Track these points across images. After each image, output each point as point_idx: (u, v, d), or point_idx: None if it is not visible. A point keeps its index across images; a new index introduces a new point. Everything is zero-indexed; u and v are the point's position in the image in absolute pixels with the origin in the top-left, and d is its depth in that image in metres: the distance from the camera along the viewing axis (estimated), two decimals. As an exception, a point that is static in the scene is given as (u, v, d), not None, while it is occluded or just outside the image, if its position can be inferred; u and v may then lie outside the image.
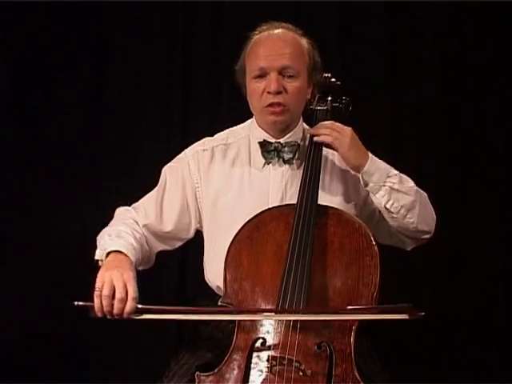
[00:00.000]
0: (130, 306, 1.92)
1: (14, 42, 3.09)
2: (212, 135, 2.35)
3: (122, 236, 2.13)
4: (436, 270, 3.12)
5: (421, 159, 3.14)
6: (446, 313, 3.09)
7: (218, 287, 2.19)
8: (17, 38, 3.08)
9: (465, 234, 3.12)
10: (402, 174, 2.17)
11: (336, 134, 2.12)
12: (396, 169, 2.18)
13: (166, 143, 3.12)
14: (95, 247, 2.85)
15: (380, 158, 2.25)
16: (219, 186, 2.24)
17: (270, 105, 2.15)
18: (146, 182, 3.06)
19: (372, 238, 2.01)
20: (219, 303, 2.03)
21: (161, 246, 2.30)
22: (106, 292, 1.93)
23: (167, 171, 2.34)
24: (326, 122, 2.17)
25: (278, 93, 2.13)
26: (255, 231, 2.05)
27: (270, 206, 2.14)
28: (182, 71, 3.15)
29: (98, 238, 2.19)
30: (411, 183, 2.18)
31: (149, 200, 2.32)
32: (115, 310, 1.92)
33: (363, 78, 3.12)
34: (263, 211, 2.10)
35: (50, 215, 3.08)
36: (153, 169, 3.07)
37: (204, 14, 3.16)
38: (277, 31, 2.21)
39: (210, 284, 2.26)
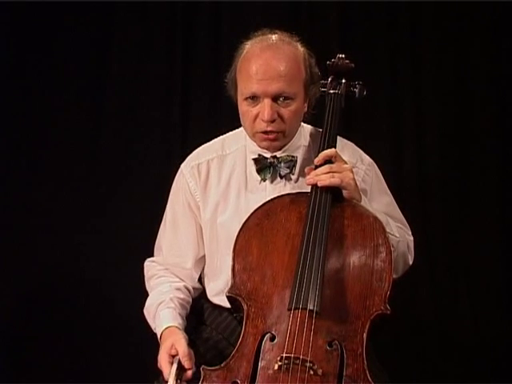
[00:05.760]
0: (186, 361, 1.94)
1: (14, 42, 3.08)
2: (212, 137, 2.31)
3: (161, 311, 2.12)
4: (436, 270, 3.12)
5: (421, 159, 3.13)
6: (446, 313, 3.09)
7: (220, 304, 2.19)
8: (17, 38, 3.08)
9: (465, 234, 3.12)
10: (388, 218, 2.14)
11: (340, 175, 1.99)
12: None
13: (166, 144, 3.12)
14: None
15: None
16: (216, 203, 2.18)
17: (264, 132, 2.08)
18: (145, 182, 3.09)
19: (387, 234, 1.96)
20: (226, 294, 1.96)
21: (198, 273, 2.26)
22: (165, 371, 1.95)
23: (174, 200, 2.26)
24: (322, 168, 2.01)
25: (273, 121, 2.05)
26: (265, 219, 1.99)
27: (281, 194, 2.07)
28: (182, 72, 3.15)
29: (145, 312, 2.20)
30: (394, 230, 2.11)
31: (168, 242, 2.26)
32: (186, 366, 1.94)
33: (363, 78, 3.11)
34: (273, 198, 2.04)
35: (48, 216, 3.08)
36: (153, 170, 3.09)
37: (204, 13, 3.15)
38: (270, 43, 2.08)
39: (212, 300, 2.23)
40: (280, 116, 2.06)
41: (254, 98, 2.06)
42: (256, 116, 2.07)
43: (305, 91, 2.11)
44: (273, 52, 2.06)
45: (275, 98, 2.05)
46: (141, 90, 3.15)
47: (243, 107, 2.09)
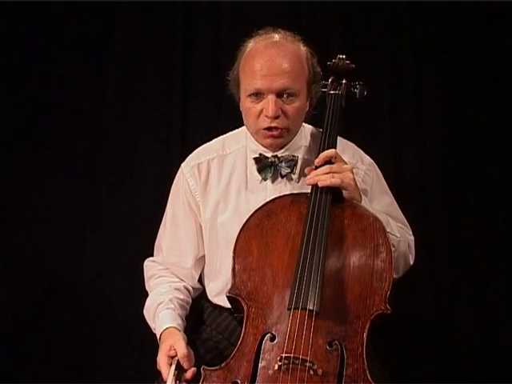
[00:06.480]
0: (185, 362, 1.94)
1: (14, 42, 3.08)
2: (212, 137, 2.31)
3: (160, 312, 2.12)
4: (436, 269, 3.12)
5: (421, 159, 3.12)
6: (446, 313, 3.09)
7: (220, 304, 2.19)
8: (17, 37, 3.08)
9: (465, 234, 3.12)
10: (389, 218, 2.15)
11: (340, 175, 2.00)
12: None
13: (166, 144, 3.12)
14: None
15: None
16: (216, 203, 2.18)
17: (268, 128, 2.08)
18: (145, 182, 3.09)
19: (387, 234, 1.97)
20: (227, 294, 1.96)
21: (198, 273, 2.26)
22: (164, 372, 1.96)
23: (174, 200, 2.26)
24: (322, 168, 2.02)
25: (276, 117, 2.06)
26: (265, 220, 2.00)
27: (282, 194, 2.08)
28: (182, 71, 3.14)
29: (145, 313, 2.21)
30: (395, 230, 2.13)
31: (168, 241, 2.26)
32: (185, 366, 1.95)
33: (363, 79, 3.11)
34: (274, 199, 2.05)
35: (46, 215, 3.07)
36: (153, 170, 3.09)
37: (204, 13, 3.15)
38: (274, 41, 2.09)
39: (212, 300, 2.24)
40: (284, 112, 2.07)
41: (257, 95, 2.07)
42: (260, 112, 2.08)
43: (307, 89, 2.12)
44: (277, 49, 2.07)
45: (279, 95, 2.06)
46: (141, 89, 3.15)
47: (247, 104, 2.10)
